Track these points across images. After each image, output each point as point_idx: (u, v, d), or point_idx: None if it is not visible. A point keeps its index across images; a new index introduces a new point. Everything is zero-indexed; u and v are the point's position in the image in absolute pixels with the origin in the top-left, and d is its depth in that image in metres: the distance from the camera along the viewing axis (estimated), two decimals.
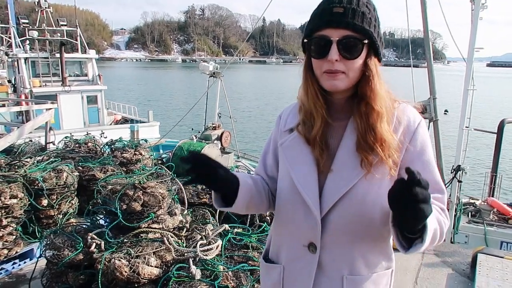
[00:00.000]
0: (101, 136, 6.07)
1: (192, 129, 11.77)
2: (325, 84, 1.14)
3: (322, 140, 1.18)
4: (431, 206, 0.92)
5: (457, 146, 6.24)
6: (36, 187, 3.78)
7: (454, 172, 6.19)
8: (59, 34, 15.42)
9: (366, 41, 1.10)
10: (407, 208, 0.90)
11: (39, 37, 14.82)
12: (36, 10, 15.65)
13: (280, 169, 1.31)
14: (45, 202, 3.83)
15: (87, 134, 5.96)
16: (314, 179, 1.17)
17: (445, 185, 6.21)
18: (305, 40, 1.16)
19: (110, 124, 16.11)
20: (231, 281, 2.42)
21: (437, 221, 1.08)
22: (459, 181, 6.21)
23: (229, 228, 3.02)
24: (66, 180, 4.00)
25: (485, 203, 7.10)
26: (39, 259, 3.19)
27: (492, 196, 7.47)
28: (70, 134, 5.99)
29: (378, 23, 1.14)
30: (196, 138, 9.58)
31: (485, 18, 5.99)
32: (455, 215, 6.46)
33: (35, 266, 3.16)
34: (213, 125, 10.03)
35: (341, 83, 1.12)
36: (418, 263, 3.91)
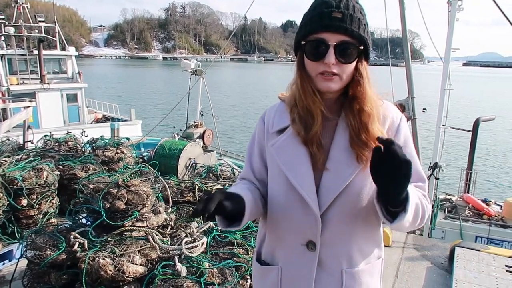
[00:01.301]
0: (82, 135, 5.97)
1: (174, 127, 11.69)
2: (319, 85, 1.18)
3: (319, 137, 1.21)
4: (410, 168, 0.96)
5: (434, 144, 6.41)
6: (15, 186, 3.70)
7: (432, 169, 6.36)
8: (36, 31, 15.02)
9: (361, 48, 1.15)
10: (391, 170, 0.96)
11: (15, 34, 14.43)
12: (13, 5, 15.23)
13: (271, 170, 1.30)
14: (24, 202, 3.76)
15: (68, 132, 5.86)
16: (311, 177, 1.19)
17: None
18: (302, 42, 1.18)
19: (91, 123, 15.83)
20: (216, 278, 2.44)
21: (419, 198, 1.13)
22: (436, 178, 6.39)
23: (214, 226, 3.04)
24: (46, 179, 3.93)
25: (461, 199, 7.31)
26: (19, 259, 3.14)
27: (468, 192, 7.70)
28: (50, 133, 5.87)
29: (368, 28, 1.19)
30: (178, 136, 9.54)
31: (461, 18, 6.17)
32: (432, 211, 6.64)
33: (16, 267, 3.11)
34: (195, 123, 10.00)
35: (335, 85, 1.17)
36: (398, 257, 4.02)
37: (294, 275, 1.26)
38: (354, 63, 1.16)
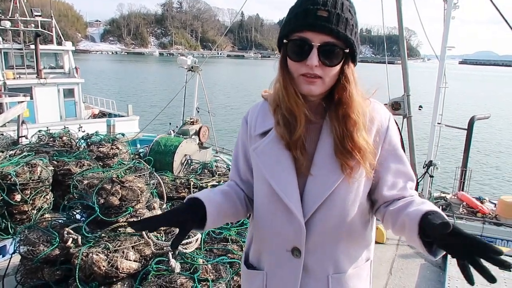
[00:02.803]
0: (79, 130, 5.94)
1: (170, 123, 11.65)
2: (301, 87, 1.12)
3: (302, 141, 1.15)
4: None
5: (429, 142, 6.44)
6: (8, 182, 3.68)
7: (426, 167, 6.40)
8: (32, 25, 14.93)
9: (347, 50, 1.08)
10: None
11: (11, 28, 14.32)
12: None
13: (255, 174, 1.26)
14: (18, 197, 3.74)
15: (64, 128, 5.83)
16: (294, 184, 1.14)
17: (417, 180, 6.38)
18: (285, 40, 1.11)
19: (88, 118, 15.78)
20: (210, 274, 2.44)
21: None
22: (431, 176, 6.44)
23: None
24: (40, 174, 3.92)
25: (455, 197, 7.34)
26: (12, 255, 3.13)
27: (462, 190, 7.73)
28: (47, 128, 5.84)
29: (357, 28, 1.12)
30: (173, 133, 9.51)
31: (457, 16, 6.18)
32: None
33: (9, 263, 3.09)
34: (191, 120, 9.96)
35: (317, 89, 1.11)
36: (392, 254, 4.03)
37: (279, 281, 1.22)
38: (339, 66, 1.09)
